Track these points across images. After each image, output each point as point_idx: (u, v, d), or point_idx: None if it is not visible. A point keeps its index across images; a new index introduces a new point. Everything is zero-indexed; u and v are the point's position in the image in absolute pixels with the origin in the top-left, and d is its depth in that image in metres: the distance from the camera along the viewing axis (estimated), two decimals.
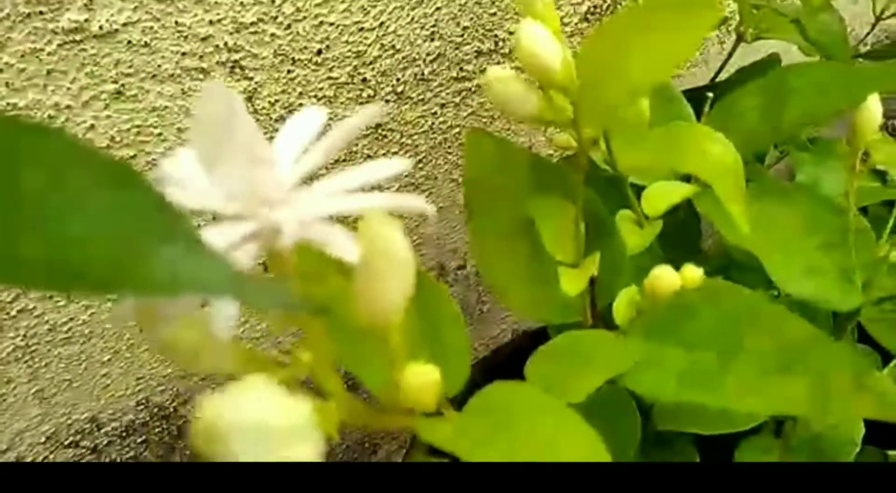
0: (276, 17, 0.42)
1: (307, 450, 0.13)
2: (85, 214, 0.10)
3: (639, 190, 0.32)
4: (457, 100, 0.54)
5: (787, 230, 0.31)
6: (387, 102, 0.50)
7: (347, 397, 0.17)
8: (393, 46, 0.48)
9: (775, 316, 0.24)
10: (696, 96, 0.36)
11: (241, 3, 0.40)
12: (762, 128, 0.32)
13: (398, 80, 0.50)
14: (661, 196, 0.30)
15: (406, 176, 0.55)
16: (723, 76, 0.43)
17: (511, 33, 0.55)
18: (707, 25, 0.21)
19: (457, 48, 0.52)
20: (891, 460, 0.44)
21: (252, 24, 0.41)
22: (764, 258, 0.29)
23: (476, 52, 0.53)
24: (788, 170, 0.46)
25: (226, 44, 0.40)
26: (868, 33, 0.47)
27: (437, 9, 0.49)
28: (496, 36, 0.54)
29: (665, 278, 0.23)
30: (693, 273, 0.23)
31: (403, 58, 0.49)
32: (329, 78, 0.46)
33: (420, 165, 0.55)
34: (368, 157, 0.51)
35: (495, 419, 0.20)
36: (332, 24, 0.44)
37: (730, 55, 0.42)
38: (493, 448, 0.19)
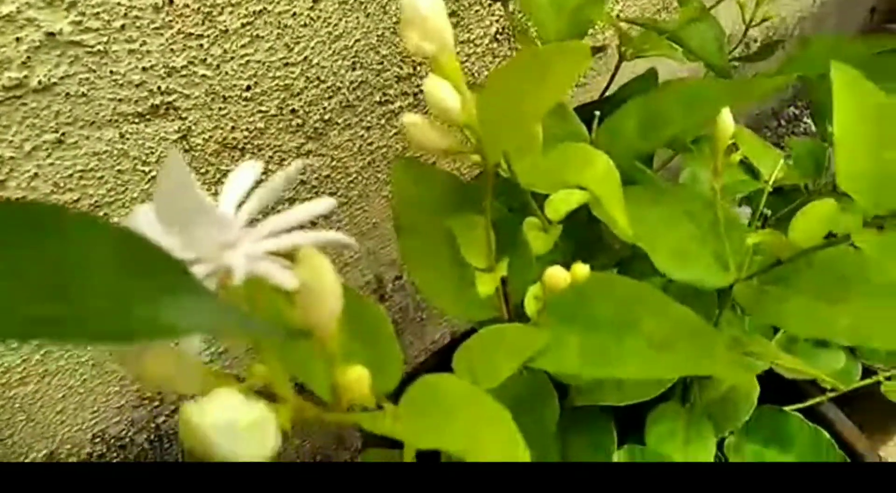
0: (205, 60, 0.45)
1: (268, 440, 0.17)
2: (103, 277, 0.13)
3: (544, 197, 0.37)
4: (382, 122, 0.58)
5: (668, 226, 0.36)
6: (315, 129, 0.53)
7: (297, 399, 0.21)
8: (318, 78, 0.52)
9: (659, 301, 0.29)
10: (587, 111, 0.40)
11: (172, 49, 0.43)
12: (641, 140, 0.37)
13: (325, 108, 0.53)
14: (561, 203, 0.35)
15: (340, 196, 0.58)
16: (613, 88, 0.48)
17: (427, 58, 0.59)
18: (577, 69, 0.26)
19: (378, 75, 0.56)
20: (790, 415, 0.50)
21: (183, 67, 0.44)
22: (650, 252, 0.34)
23: (396, 77, 0.57)
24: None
25: (159, 88, 0.43)
26: (741, 41, 0.54)
27: (357, 40, 0.52)
28: (414, 61, 0.58)
29: (556, 276, 0.27)
30: (581, 270, 0.28)
31: (328, 87, 0.53)
32: (259, 111, 0.49)
33: (352, 185, 0.59)
34: (302, 181, 0.54)
35: (426, 407, 0.24)
36: (258, 61, 0.48)
37: (615, 72, 0.47)
38: (425, 434, 0.23)
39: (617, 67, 0.46)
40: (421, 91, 0.61)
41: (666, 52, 0.45)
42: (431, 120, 0.26)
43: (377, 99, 0.57)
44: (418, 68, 0.59)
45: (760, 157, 0.44)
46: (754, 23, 0.53)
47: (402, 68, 0.57)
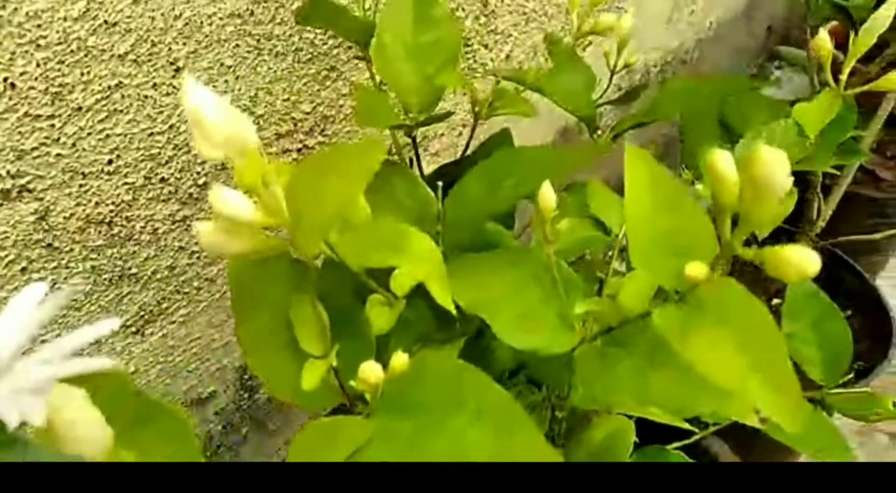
0: (58, 139, 0.44)
1: None
2: None
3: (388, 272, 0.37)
4: None
5: (520, 289, 0.37)
6: (189, 194, 0.53)
7: None
8: (187, 144, 0.51)
9: (476, 381, 0.29)
10: (442, 174, 0.41)
11: (20, 132, 0.42)
12: (488, 203, 0.38)
13: (198, 173, 0.53)
14: (406, 277, 0.35)
15: (225, 260, 0.58)
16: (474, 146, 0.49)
17: (307, 113, 0.60)
18: (376, 160, 0.26)
19: (256, 133, 0.55)
20: (671, 454, 0.51)
21: (34, 149, 0.43)
22: (491, 320, 0.34)
23: (276, 135, 0.57)
24: None
25: (9, 172, 0.42)
26: (608, 86, 0.55)
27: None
28: (293, 118, 0.58)
29: (368, 371, 0.27)
30: (400, 360, 0.28)
31: None
32: (125, 184, 0.48)
33: None
34: (181, 248, 0.54)
35: None
36: (119, 135, 0.47)
37: (472, 134, 0.48)
38: None
39: (473, 128, 0.47)
40: (305, 146, 0.61)
41: (519, 110, 0.46)
42: (227, 224, 0.26)
43: None
44: (298, 125, 0.59)
45: (609, 210, 0.45)
46: (618, 69, 0.55)
47: (280, 126, 0.57)
